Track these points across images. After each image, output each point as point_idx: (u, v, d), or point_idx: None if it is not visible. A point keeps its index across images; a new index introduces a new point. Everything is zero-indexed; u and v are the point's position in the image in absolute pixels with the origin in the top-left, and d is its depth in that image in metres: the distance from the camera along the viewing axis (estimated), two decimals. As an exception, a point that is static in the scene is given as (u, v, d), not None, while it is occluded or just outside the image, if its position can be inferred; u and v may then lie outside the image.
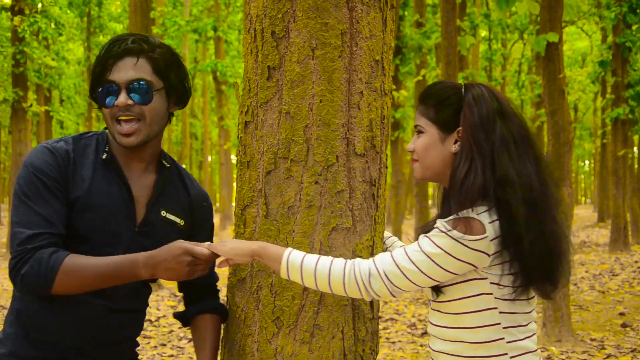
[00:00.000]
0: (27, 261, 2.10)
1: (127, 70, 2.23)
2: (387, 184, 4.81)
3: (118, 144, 2.28)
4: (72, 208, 2.20)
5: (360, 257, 2.33)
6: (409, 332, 8.07)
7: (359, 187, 2.35)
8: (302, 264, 2.11)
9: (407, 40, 16.04)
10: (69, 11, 24.56)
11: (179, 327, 8.48)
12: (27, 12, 16.51)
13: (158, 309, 9.88)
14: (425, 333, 7.86)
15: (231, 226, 24.64)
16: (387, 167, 2.49)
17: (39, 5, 17.23)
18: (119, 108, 2.23)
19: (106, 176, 2.26)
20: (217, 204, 45.44)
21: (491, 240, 2.06)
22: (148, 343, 7.62)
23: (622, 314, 9.04)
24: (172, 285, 11.75)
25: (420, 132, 2.27)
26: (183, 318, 2.54)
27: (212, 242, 2.32)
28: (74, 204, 2.20)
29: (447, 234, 2.05)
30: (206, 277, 2.46)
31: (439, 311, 2.22)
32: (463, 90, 2.22)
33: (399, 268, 2.08)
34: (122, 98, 2.22)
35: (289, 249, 2.15)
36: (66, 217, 2.20)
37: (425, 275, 2.07)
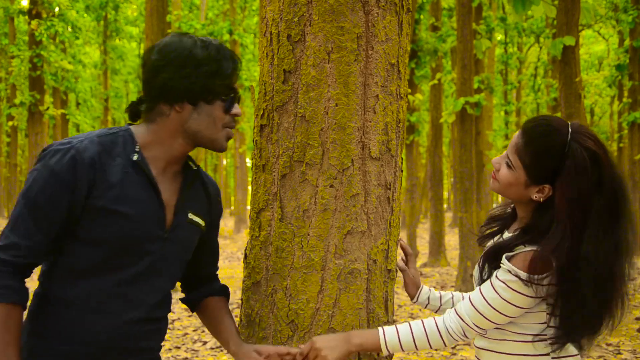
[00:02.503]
0: None
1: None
2: (402, 187, 4.80)
3: (214, 149, 2.27)
4: (97, 215, 2.09)
5: (375, 260, 2.33)
6: (424, 337, 8.03)
7: (374, 190, 2.35)
8: (400, 344, 2.26)
9: (423, 43, 15.99)
10: (85, 15, 24.74)
11: (193, 330, 8.49)
12: (44, 15, 16.66)
13: (173, 312, 9.91)
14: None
15: (246, 229, 24.66)
16: (402, 171, 2.49)
17: (56, 9, 17.38)
18: (234, 117, 2.27)
19: (135, 181, 2.14)
20: (232, 207, 45.51)
21: None
22: (162, 345, 7.63)
23: (638, 318, 8.97)
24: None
25: (508, 165, 2.26)
26: (191, 302, 2.55)
27: (217, 234, 2.50)
28: (99, 211, 2.09)
29: (517, 277, 2.15)
30: (212, 267, 2.54)
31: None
32: (567, 148, 2.14)
33: (482, 315, 2.23)
34: (239, 108, 2.28)
35: (380, 333, 2.26)
36: (51, 242, 2.11)
37: (503, 315, 2.21)
